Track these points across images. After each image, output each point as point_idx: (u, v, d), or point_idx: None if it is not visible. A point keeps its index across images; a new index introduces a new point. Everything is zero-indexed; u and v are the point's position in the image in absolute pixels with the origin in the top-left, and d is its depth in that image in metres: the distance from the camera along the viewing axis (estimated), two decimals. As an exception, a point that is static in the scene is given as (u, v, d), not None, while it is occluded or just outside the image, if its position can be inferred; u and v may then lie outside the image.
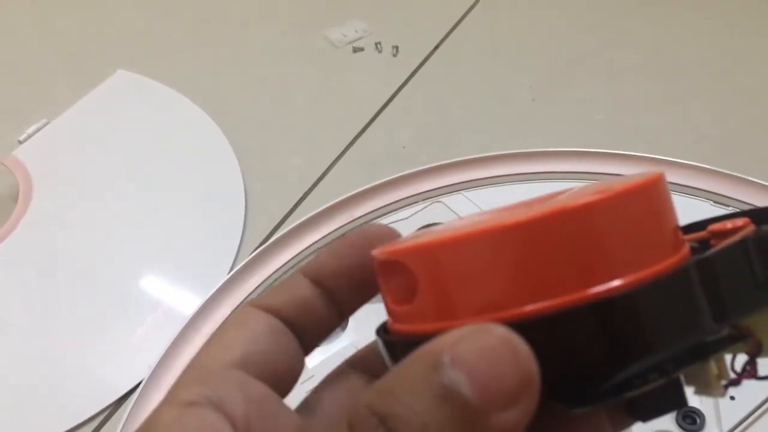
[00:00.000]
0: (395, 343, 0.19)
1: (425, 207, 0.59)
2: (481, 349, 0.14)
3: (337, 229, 0.58)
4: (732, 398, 0.45)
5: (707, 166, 0.58)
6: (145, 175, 0.69)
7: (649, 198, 0.17)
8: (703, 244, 0.19)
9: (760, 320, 0.18)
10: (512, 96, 0.75)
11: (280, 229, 0.63)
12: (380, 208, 0.59)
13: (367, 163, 0.68)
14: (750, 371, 0.19)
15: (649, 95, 0.73)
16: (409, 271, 0.17)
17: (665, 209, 0.18)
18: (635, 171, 0.59)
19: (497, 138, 0.69)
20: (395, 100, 0.76)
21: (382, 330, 0.20)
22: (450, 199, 0.59)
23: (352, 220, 0.58)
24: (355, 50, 0.82)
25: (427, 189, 0.60)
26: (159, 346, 0.52)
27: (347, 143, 0.71)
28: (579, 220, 0.16)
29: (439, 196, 0.59)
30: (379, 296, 0.20)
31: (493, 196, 0.59)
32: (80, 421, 0.51)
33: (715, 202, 0.57)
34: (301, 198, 0.65)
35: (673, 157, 0.60)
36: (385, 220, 0.58)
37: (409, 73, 0.79)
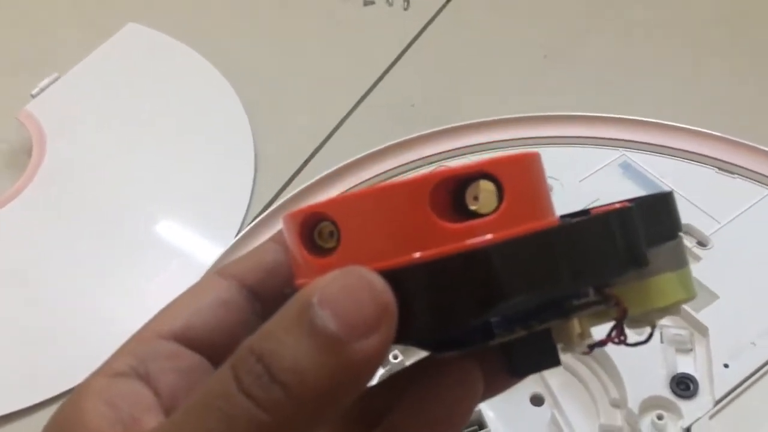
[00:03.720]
0: None
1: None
2: (343, 287, 0.16)
3: (347, 189, 0.59)
4: (725, 366, 0.46)
5: (713, 132, 0.58)
6: (156, 129, 0.69)
7: (519, 171, 0.18)
8: None
9: (628, 291, 0.21)
10: (523, 52, 0.74)
11: (291, 184, 0.64)
12: (388, 170, 0.59)
13: (377, 118, 0.69)
14: (618, 335, 0.21)
15: (662, 54, 0.72)
16: (334, 222, 0.18)
17: (537, 184, 0.19)
18: (641, 137, 0.59)
19: (507, 95, 0.69)
20: (406, 55, 0.75)
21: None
22: (457, 163, 0.60)
23: (361, 182, 0.59)
24: (366, 3, 0.81)
25: (435, 152, 0.60)
26: (173, 293, 0.53)
27: (358, 98, 0.71)
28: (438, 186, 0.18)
29: (446, 159, 0.60)
30: None
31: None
32: (97, 366, 0.53)
33: (720, 169, 0.57)
34: (312, 153, 0.66)
35: (682, 122, 0.59)
36: (393, 182, 0.59)
37: (420, 27, 0.78)
